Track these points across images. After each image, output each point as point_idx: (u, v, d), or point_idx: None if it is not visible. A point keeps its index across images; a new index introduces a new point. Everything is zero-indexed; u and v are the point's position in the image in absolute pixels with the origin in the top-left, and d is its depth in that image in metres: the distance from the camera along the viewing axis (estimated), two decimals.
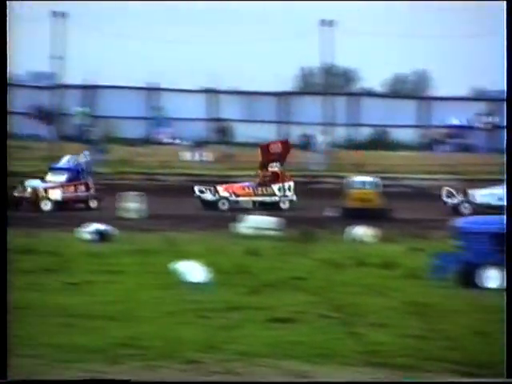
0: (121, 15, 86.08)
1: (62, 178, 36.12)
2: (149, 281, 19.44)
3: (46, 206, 34.73)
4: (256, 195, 38.22)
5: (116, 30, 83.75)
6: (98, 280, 19.60)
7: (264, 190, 38.38)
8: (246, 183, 38.96)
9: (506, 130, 10.24)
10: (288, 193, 38.43)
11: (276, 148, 39.63)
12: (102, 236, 26.12)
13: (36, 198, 34.91)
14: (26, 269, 20.75)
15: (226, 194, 37.70)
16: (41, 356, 13.29)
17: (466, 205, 38.35)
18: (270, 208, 36.91)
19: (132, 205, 34.77)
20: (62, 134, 63.16)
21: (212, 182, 45.19)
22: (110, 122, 67.84)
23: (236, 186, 38.69)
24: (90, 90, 72.74)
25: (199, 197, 37.96)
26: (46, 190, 35.26)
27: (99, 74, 70.23)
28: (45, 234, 26.28)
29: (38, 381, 4.59)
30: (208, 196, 37.66)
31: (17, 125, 70.09)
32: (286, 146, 40.50)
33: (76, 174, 36.33)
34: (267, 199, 38.12)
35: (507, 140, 9.60)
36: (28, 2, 55.63)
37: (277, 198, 38.30)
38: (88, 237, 26.08)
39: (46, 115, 67.36)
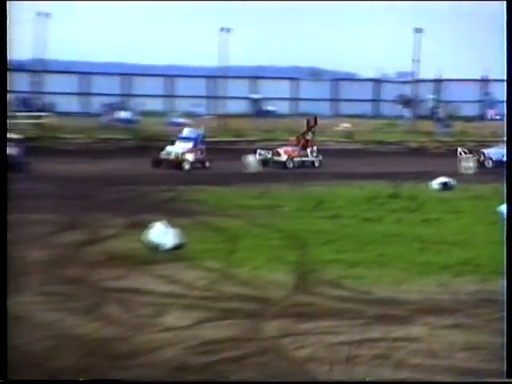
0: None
1: (189, 145, 34.89)
2: (481, 218, 18.95)
3: (187, 165, 33.88)
4: (300, 156, 36.49)
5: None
6: (444, 217, 19.33)
7: (303, 152, 36.76)
8: (290, 147, 36.91)
9: (505, 132, 8.01)
10: (314, 154, 36.91)
11: (311, 122, 38.28)
12: (446, 186, 25.69)
13: (177, 160, 33.88)
14: (393, 209, 20.78)
15: (286, 156, 36.03)
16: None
17: None
18: (307, 166, 35.80)
19: (468, 164, 33.99)
20: (418, 115, 63.02)
21: None
22: (452, 105, 66.94)
23: (288, 149, 36.74)
24: (438, 82, 72.05)
25: (271, 158, 35.90)
26: (183, 154, 34.31)
27: (444, 70, 69.54)
28: (407, 184, 26.15)
29: (38, 381, 4.15)
30: (280, 157, 35.85)
31: (387, 108, 70.66)
32: (316, 120, 38.65)
33: (196, 142, 35.15)
34: (308, 159, 36.57)
35: (507, 133, 7.57)
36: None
37: (313, 158, 36.75)
38: (436, 187, 25.74)
39: (407, 102, 67.54)
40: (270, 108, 68.59)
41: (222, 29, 59.28)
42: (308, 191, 25.00)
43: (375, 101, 74.93)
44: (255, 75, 71.83)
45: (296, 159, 36.07)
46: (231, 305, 11.10)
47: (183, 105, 64.27)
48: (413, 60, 62.94)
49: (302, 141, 37.22)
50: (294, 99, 71.97)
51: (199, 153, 34.84)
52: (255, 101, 69.71)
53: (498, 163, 34.73)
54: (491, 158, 36.96)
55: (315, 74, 77.67)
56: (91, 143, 44.25)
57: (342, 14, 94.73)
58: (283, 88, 71.12)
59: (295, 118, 58.74)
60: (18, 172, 27.91)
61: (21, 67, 61.23)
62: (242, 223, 18.53)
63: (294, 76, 73.14)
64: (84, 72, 64.75)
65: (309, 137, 37.60)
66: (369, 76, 77.58)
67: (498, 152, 36.16)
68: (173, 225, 15.52)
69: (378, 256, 14.47)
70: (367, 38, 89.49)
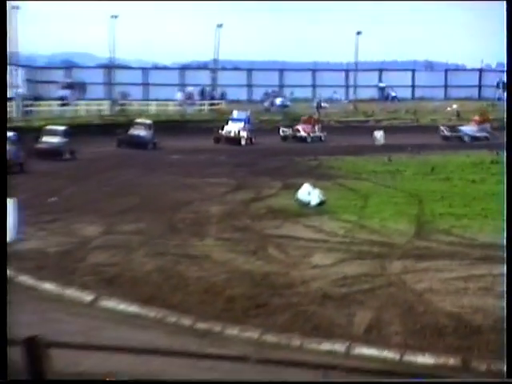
0: None
1: (241, 124, 33.02)
2: None
3: (243, 141, 32.23)
4: (313, 132, 34.28)
5: None
6: None
7: (314, 129, 34.51)
8: (305, 125, 34.47)
9: (506, 131, 6.24)
10: (320, 130, 34.76)
11: (318, 105, 37.72)
12: None
13: (236, 137, 32.24)
14: (494, 172, 19.72)
15: (304, 132, 33.75)
16: None
17: None
18: (316, 140, 33.58)
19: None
20: None
21: None
22: None
23: (305, 127, 34.32)
24: None
25: (291, 134, 33.86)
26: (239, 132, 32.55)
27: None
28: None
29: (38, 381, 3.69)
30: (300, 133, 33.78)
31: (489, 92, 67.49)
32: (321, 104, 37.91)
33: (245, 122, 33.35)
34: (316, 135, 34.39)
35: (507, 132, 6.04)
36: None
37: (320, 134, 34.55)
38: None
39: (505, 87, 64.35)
40: (393, 94, 67.30)
41: (358, 32, 59.00)
42: (424, 159, 24.35)
43: (479, 86, 71.94)
44: (382, 68, 70.63)
45: (311, 135, 34.60)
46: (364, 248, 11.01)
47: (325, 92, 63.97)
48: None
49: (312, 120, 35.68)
50: (413, 86, 70.26)
51: (245, 131, 33.43)
52: (382, 88, 68.55)
53: (472, 138, 34.20)
54: (468, 134, 35.30)
55: (430, 66, 75.49)
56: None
57: (452, 22, 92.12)
58: (404, 77, 69.57)
59: (414, 102, 57.39)
60: (149, 149, 28.43)
61: (203, 66, 62.76)
62: (371, 185, 18.32)
63: (413, 68, 71.45)
64: (249, 68, 65.43)
65: (316, 116, 36.33)
66: (474, 66, 74.76)
67: (471, 129, 35.37)
68: (317, 186, 15.53)
69: (481, 210, 13.94)
70: (474, 36, 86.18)
